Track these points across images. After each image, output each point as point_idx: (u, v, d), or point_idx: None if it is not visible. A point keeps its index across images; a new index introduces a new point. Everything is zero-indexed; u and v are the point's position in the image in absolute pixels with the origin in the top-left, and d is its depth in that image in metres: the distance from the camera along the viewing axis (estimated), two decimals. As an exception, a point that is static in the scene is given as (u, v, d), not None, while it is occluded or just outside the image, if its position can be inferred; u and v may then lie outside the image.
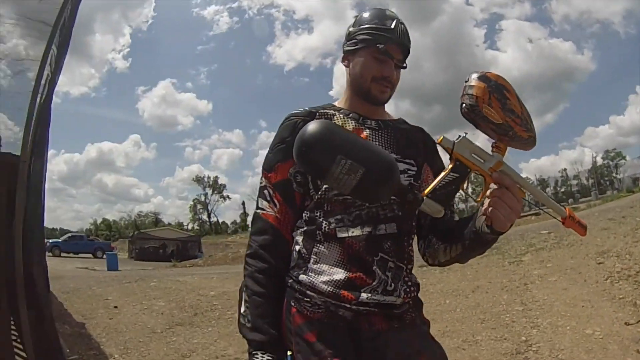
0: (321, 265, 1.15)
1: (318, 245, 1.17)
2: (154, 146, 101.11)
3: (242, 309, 1.18)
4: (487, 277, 7.42)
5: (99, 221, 72.85)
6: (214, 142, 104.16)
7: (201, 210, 70.89)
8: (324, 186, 1.17)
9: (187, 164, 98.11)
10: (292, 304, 1.15)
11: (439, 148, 1.09)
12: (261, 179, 1.25)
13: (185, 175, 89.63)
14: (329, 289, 1.12)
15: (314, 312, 1.13)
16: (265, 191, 1.23)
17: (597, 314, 4.75)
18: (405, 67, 1.26)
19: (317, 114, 1.24)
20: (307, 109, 1.26)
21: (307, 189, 1.20)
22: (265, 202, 1.23)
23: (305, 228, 1.20)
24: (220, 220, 74.35)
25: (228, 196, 73.16)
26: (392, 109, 1.32)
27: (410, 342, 1.16)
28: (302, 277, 1.16)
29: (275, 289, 1.17)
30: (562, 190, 42.12)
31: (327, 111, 1.26)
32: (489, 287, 6.73)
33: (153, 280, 10.25)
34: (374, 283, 1.13)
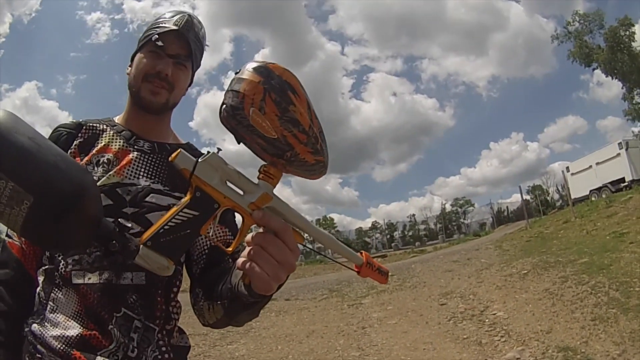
0: (57, 315, 1.00)
1: (56, 289, 1.02)
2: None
3: None
4: (324, 320, 7.42)
5: None
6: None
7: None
8: None
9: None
10: (27, 359, 1.00)
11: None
12: None
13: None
14: (59, 346, 0.96)
15: None
16: None
17: (439, 356, 4.93)
18: (185, 65, 1.16)
19: (85, 127, 1.16)
20: (78, 120, 1.18)
21: None
22: None
23: (46, 266, 1.05)
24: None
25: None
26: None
27: None
28: (35, 327, 1.00)
29: (14, 336, 1.01)
30: (410, 233, 45.67)
31: (97, 125, 1.17)
32: (325, 332, 6.69)
33: None
34: (112, 346, 0.98)
